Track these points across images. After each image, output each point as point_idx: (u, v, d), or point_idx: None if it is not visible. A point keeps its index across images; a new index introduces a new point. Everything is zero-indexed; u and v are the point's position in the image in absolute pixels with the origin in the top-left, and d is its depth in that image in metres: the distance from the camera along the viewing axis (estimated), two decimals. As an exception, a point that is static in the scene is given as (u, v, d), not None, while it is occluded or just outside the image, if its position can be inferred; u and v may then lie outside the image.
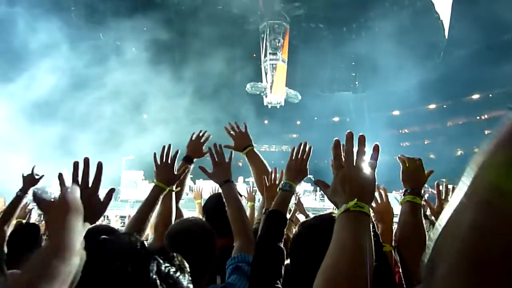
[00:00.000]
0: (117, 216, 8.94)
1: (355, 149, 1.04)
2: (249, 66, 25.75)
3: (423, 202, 1.81)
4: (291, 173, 1.74)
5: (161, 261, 0.65)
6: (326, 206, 13.01)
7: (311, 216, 1.58)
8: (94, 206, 1.22)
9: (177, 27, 23.53)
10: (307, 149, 1.82)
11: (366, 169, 1.00)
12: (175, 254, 0.71)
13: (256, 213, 3.13)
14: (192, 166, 2.25)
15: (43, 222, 4.40)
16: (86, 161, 1.21)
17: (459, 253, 0.42)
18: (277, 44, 24.49)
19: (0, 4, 18.20)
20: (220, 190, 1.93)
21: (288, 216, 1.71)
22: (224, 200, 1.82)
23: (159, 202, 1.81)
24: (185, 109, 21.86)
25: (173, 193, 1.98)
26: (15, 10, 18.26)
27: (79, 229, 0.97)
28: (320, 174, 1.36)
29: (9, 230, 2.51)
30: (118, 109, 21.19)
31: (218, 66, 23.60)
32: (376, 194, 2.04)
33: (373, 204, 2.05)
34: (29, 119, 16.58)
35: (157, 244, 0.66)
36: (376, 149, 1.07)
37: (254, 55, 26.11)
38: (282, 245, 1.52)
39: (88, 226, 1.17)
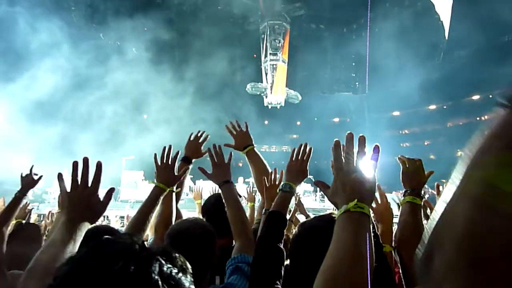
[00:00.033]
0: (117, 217, 8.93)
1: (355, 149, 1.04)
2: (249, 67, 25.77)
3: (423, 203, 1.81)
4: (291, 174, 1.74)
5: (163, 261, 0.65)
6: (326, 206, 13.01)
7: (312, 216, 1.58)
8: (94, 206, 1.22)
9: (177, 27, 23.57)
10: (307, 150, 1.82)
11: (366, 170, 1.00)
12: (177, 255, 0.70)
13: (255, 213, 3.13)
14: (191, 167, 2.25)
15: (43, 222, 4.40)
16: (85, 161, 1.21)
17: (457, 251, 0.42)
18: (278, 45, 24.52)
19: (0, 4, 18.20)
20: (219, 191, 1.93)
21: (287, 216, 1.71)
22: (223, 200, 1.82)
23: (160, 203, 1.81)
24: (185, 109, 21.85)
25: (174, 194, 1.99)
26: (15, 10, 18.27)
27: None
28: (320, 175, 1.36)
29: (8, 231, 2.50)
30: (118, 109, 21.19)
31: (218, 67, 23.61)
32: (376, 194, 2.04)
33: (373, 205, 2.05)
34: (30, 119, 16.58)
35: (159, 245, 0.67)
36: (376, 149, 1.07)
37: (255, 55, 26.12)
38: (282, 246, 1.52)
39: (88, 225, 1.17)
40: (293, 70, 26.30)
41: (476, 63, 25.88)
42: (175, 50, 25.32)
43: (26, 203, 3.36)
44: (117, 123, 20.90)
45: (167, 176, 1.85)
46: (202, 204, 2.55)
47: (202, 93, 24.30)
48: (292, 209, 3.59)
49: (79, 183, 1.21)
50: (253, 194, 4.01)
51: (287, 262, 1.48)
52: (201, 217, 2.38)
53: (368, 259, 0.83)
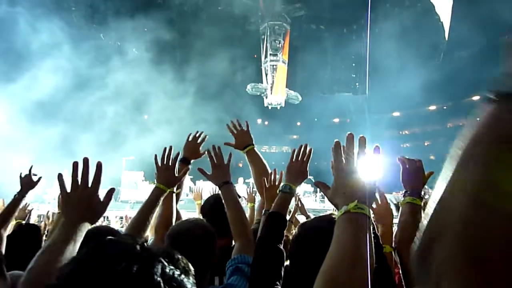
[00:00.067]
0: (117, 217, 8.92)
1: (356, 150, 1.04)
2: (249, 67, 25.78)
3: (423, 204, 1.81)
4: (291, 175, 1.74)
5: (165, 263, 0.65)
6: (326, 207, 13.00)
7: (312, 217, 1.58)
8: (94, 206, 1.22)
9: (178, 27, 23.56)
10: (307, 151, 1.82)
11: (367, 170, 1.00)
12: (180, 257, 0.71)
13: (255, 213, 3.13)
14: (190, 167, 2.25)
15: (43, 222, 4.40)
16: (86, 161, 1.22)
17: (456, 249, 0.42)
18: (278, 45, 24.52)
19: (2, 4, 18.22)
20: (219, 192, 1.93)
21: (287, 217, 1.71)
22: (223, 201, 1.82)
23: (160, 204, 1.82)
24: (187, 109, 21.85)
25: (174, 195, 1.99)
26: (16, 10, 18.29)
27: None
28: (320, 175, 1.36)
29: (6, 232, 2.49)
30: (119, 110, 21.20)
31: (219, 67, 23.60)
32: (376, 195, 2.04)
33: (373, 205, 2.05)
34: (30, 119, 16.58)
35: (162, 246, 0.66)
36: (376, 150, 1.07)
37: (255, 56, 26.13)
38: (282, 247, 1.52)
39: (88, 226, 1.17)
40: (293, 71, 26.30)
41: (477, 64, 25.87)
42: (175, 51, 25.31)
43: (26, 204, 3.36)
44: (118, 123, 20.91)
45: (167, 177, 1.85)
46: (201, 204, 2.55)
47: (203, 94, 24.31)
48: (292, 210, 3.59)
49: (79, 183, 1.21)
50: (253, 194, 4.01)
51: (287, 262, 1.48)
52: (201, 217, 2.38)
53: (368, 260, 0.83)
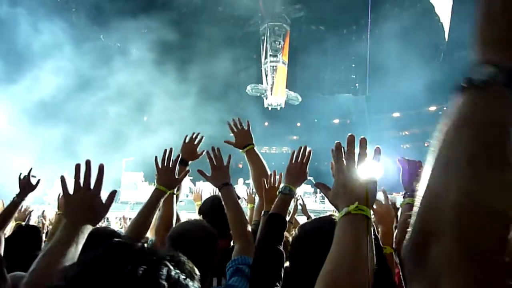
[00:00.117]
0: (117, 218, 8.92)
1: (356, 151, 1.04)
2: (252, 68, 25.79)
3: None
4: (291, 177, 1.74)
5: (171, 267, 0.66)
6: (327, 208, 12.99)
7: (312, 217, 1.58)
8: (96, 208, 1.22)
9: (177, 28, 23.56)
10: (306, 152, 1.82)
11: (367, 172, 1.00)
12: (186, 261, 0.71)
13: (253, 214, 3.13)
14: (187, 168, 2.25)
15: (43, 223, 4.40)
16: (88, 164, 1.23)
17: (454, 245, 0.43)
18: (278, 46, 24.55)
19: (2, 5, 18.25)
20: (219, 193, 1.93)
21: (287, 218, 1.71)
22: (223, 203, 1.82)
23: (160, 205, 1.82)
24: (189, 110, 21.84)
25: (174, 196, 1.99)
26: (18, 11, 18.31)
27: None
28: (320, 176, 1.36)
29: (5, 234, 2.49)
30: (121, 110, 21.22)
31: (221, 68, 23.61)
32: (380, 194, 2.04)
33: (374, 206, 2.05)
34: (32, 120, 16.57)
35: (169, 250, 0.67)
36: (377, 151, 1.07)
37: (255, 56, 26.16)
38: (281, 248, 1.52)
39: (90, 228, 1.18)
40: (293, 72, 26.33)
41: (477, 64, 25.83)
42: (176, 51, 25.33)
43: (27, 206, 3.37)
44: (120, 124, 20.91)
45: (168, 178, 1.85)
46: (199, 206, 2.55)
47: (205, 94, 24.31)
48: (292, 211, 3.59)
49: (82, 185, 1.22)
50: (253, 195, 4.01)
51: (287, 264, 1.48)
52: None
53: (369, 262, 0.83)
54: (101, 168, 1.24)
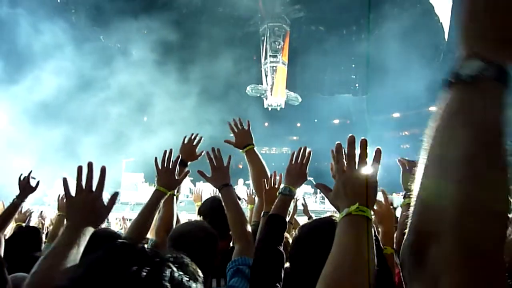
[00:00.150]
0: (117, 219, 8.92)
1: (357, 152, 1.04)
2: (250, 68, 25.78)
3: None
4: (291, 178, 1.74)
5: (174, 268, 0.66)
6: (327, 208, 12.99)
7: (313, 218, 1.58)
8: (98, 210, 1.23)
9: (178, 28, 23.57)
10: (306, 153, 1.82)
11: (368, 173, 1.00)
12: (190, 263, 0.71)
13: (252, 215, 3.12)
14: (190, 170, 2.25)
15: (42, 224, 4.39)
16: (90, 166, 1.23)
17: (455, 246, 0.44)
18: (278, 47, 24.56)
19: (3, 6, 18.27)
20: (219, 193, 1.93)
21: (287, 218, 1.71)
22: (223, 204, 1.82)
23: (160, 206, 1.82)
24: (190, 110, 21.82)
25: (174, 198, 1.99)
26: (18, 11, 18.33)
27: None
28: (320, 176, 1.36)
29: (5, 235, 2.49)
30: (122, 111, 21.20)
31: (222, 68, 23.59)
32: (380, 195, 2.04)
33: (374, 207, 2.05)
34: (33, 121, 16.57)
35: (170, 251, 0.67)
36: (378, 153, 1.07)
37: (255, 57, 26.16)
38: (281, 249, 1.52)
39: (92, 230, 1.18)
40: (293, 72, 26.34)
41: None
42: (176, 52, 25.34)
43: (28, 209, 3.37)
44: (121, 125, 20.91)
45: (168, 179, 1.85)
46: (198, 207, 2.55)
47: (206, 95, 24.29)
48: (291, 211, 3.59)
49: (84, 187, 1.22)
50: (253, 196, 4.02)
51: (287, 264, 1.48)
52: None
53: (370, 263, 0.83)
54: (103, 170, 1.25)
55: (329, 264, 0.85)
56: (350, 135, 1.06)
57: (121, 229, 5.56)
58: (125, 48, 23.95)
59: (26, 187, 2.42)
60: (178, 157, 1.96)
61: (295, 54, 25.70)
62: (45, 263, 1.06)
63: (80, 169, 1.23)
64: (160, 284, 0.62)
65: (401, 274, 1.71)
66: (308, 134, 29.62)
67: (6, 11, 18.16)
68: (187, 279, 0.66)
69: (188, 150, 2.26)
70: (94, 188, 1.24)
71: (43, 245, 2.93)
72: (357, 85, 29.24)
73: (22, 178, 2.44)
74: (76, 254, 1.09)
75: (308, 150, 1.83)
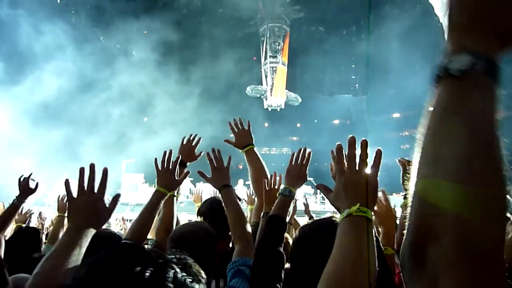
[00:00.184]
0: (117, 220, 8.91)
1: (357, 153, 1.04)
2: (251, 69, 25.77)
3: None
4: (291, 178, 1.75)
5: (178, 269, 0.66)
6: (327, 209, 12.99)
7: (315, 218, 1.58)
8: (100, 212, 1.23)
9: (178, 29, 23.57)
10: (306, 154, 1.82)
11: (369, 174, 1.00)
12: (193, 264, 0.71)
13: (251, 216, 3.12)
14: (190, 170, 2.25)
15: (42, 225, 4.39)
16: (92, 167, 1.23)
17: (455, 247, 0.44)
18: (277, 47, 24.55)
19: (3, 7, 18.29)
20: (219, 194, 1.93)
21: (287, 219, 1.71)
22: (223, 204, 1.82)
23: (161, 207, 1.82)
24: (191, 111, 21.82)
25: (174, 198, 1.99)
26: (18, 12, 18.35)
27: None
28: (320, 177, 1.36)
29: (6, 236, 2.49)
30: (124, 112, 21.21)
31: (223, 69, 23.59)
32: (380, 195, 2.04)
33: (375, 207, 2.05)
34: (33, 121, 16.57)
35: (175, 252, 0.67)
36: (378, 154, 1.07)
37: (255, 58, 26.16)
38: (282, 249, 1.52)
39: (94, 231, 1.18)
40: (293, 73, 26.34)
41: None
42: (177, 53, 25.33)
43: (28, 210, 3.37)
44: (122, 126, 20.91)
45: (168, 180, 1.85)
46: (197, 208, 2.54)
47: (207, 95, 24.28)
48: (291, 212, 3.60)
49: (86, 189, 1.23)
50: (253, 197, 4.02)
51: (287, 265, 1.48)
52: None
53: (371, 264, 0.83)
54: (105, 172, 1.25)
55: (330, 265, 0.85)
56: (350, 136, 1.06)
57: (121, 229, 5.56)
58: (125, 48, 23.96)
59: (26, 188, 2.42)
60: (178, 158, 1.96)
61: (295, 55, 25.70)
62: (47, 264, 1.07)
63: (82, 170, 1.23)
64: (163, 285, 0.62)
65: (401, 274, 1.71)
66: (308, 134, 29.63)
67: (7, 12, 18.18)
68: (190, 280, 0.66)
69: (187, 150, 2.26)
70: (96, 190, 1.24)
71: (43, 246, 2.93)
72: (357, 85, 29.23)
73: (22, 179, 2.44)
74: (78, 255, 1.09)
75: (308, 151, 1.83)
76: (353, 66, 28.48)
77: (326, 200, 1.19)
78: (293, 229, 3.18)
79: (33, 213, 3.64)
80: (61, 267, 1.03)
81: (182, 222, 2.35)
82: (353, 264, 0.83)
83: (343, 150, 1.06)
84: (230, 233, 1.83)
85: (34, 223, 4.22)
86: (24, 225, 3.29)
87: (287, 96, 25.34)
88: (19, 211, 2.71)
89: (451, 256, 0.43)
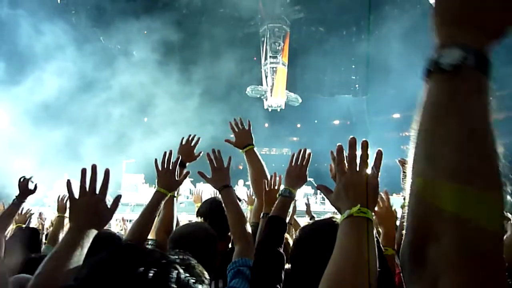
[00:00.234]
0: (117, 220, 8.91)
1: (358, 154, 1.04)
2: (252, 69, 25.78)
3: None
4: (291, 179, 1.75)
5: (181, 270, 0.66)
6: (327, 209, 12.99)
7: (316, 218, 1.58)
8: (101, 213, 1.23)
9: (179, 29, 23.57)
10: (306, 155, 1.82)
11: (369, 174, 1.00)
12: (196, 265, 0.71)
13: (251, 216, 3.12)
14: (190, 171, 2.25)
15: (42, 225, 4.39)
16: (94, 168, 1.24)
17: (455, 247, 0.44)
18: (278, 48, 24.55)
19: (3, 7, 18.30)
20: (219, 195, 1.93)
21: (287, 219, 1.71)
22: (222, 205, 1.82)
23: (161, 208, 1.82)
24: (192, 111, 21.82)
25: (174, 199, 1.99)
26: (18, 13, 18.36)
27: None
28: (321, 177, 1.36)
29: (6, 236, 2.48)
30: (124, 112, 21.21)
31: (223, 69, 23.59)
32: (381, 194, 2.04)
33: (375, 208, 2.05)
34: (34, 121, 16.57)
35: (178, 252, 0.67)
36: (379, 155, 1.07)
37: (255, 58, 26.16)
38: (282, 250, 1.52)
39: (95, 232, 1.19)
40: (293, 73, 26.34)
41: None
42: (178, 53, 25.32)
43: (28, 210, 3.37)
44: (122, 126, 20.90)
45: (168, 181, 1.85)
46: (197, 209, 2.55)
47: (208, 96, 24.27)
48: (291, 212, 3.60)
49: (87, 189, 1.23)
50: (253, 197, 4.02)
51: (287, 266, 1.48)
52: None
53: (372, 265, 0.83)
54: (106, 173, 1.26)
55: (331, 266, 0.85)
56: (351, 137, 1.06)
57: (121, 230, 5.56)
58: (126, 48, 23.97)
59: (25, 189, 2.43)
60: (178, 158, 1.96)
61: (295, 55, 25.70)
62: (49, 265, 1.07)
63: (84, 171, 1.24)
64: (166, 286, 0.62)
65: (401, 274, 1.71)
66: (308, 135, 29.64)
67: (7, 12, 18.19)
68: (194, 281, 0.66)
69: (186, 151, 2.26)
70: (97, 191, 1.24)
71: (43, 246, 2.93)
72: (357, 85, 29.23)
73: (22, 179, 2.44)
74: (79, 256, 1.10)
75: (308, 151, 1.83)
76: (353, 66, 28.48)
77: (326, 201, 1.18)
78: (293, 230, 3.18)
79: (33, 213, 3.64)
80: (63, 268, 1.04)
81: (182, 223, 2.36)
82: (354, 264, 0.83)
83: (344, 151, 1.06)
84: (230, 233, 1.83)
85: (34, 223, 4.22)
86: (24, 226, 3.29)
87: (287, 97, 25.34)
88: (19, 211, 2.71)
89: (451, 256, 0.43)
